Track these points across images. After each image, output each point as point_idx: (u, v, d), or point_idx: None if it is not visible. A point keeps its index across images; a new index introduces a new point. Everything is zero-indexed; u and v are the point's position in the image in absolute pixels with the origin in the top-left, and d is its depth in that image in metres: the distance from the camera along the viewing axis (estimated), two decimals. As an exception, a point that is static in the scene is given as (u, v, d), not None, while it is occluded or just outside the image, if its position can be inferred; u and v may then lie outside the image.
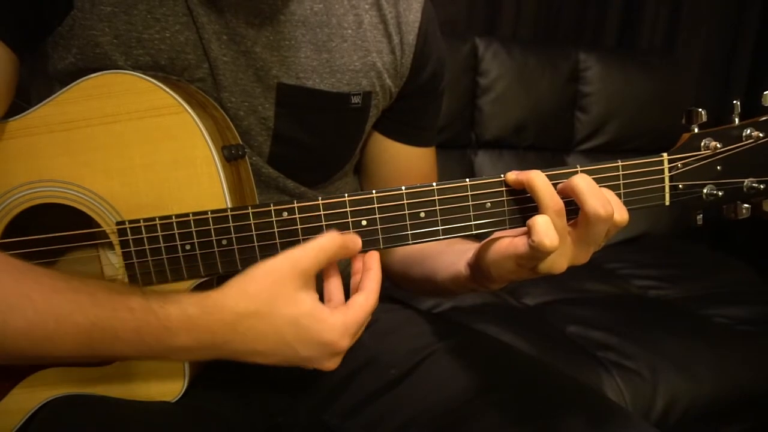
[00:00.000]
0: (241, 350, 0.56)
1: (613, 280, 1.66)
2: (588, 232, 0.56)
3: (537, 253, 0.55)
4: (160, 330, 0.54)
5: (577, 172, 0.58)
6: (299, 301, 0.56)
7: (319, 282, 0.60)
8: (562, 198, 0.56)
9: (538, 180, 0.56)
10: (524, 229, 0.61)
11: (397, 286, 0.89)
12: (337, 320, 0.56)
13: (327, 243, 0.57)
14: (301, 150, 0.75)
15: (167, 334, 0.54)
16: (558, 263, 0.57)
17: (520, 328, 1.33)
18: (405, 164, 0.86)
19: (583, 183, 0.55)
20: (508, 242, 0.58)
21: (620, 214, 0.56)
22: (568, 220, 0.57)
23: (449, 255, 0.72)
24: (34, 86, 0.73)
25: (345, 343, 0.57)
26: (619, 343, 1.30)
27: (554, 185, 0.57)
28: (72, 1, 0.62)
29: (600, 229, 0.56)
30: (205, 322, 0.54)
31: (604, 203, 0.54)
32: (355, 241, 0.59)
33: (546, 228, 0.54)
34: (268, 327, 0.55)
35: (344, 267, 0.66)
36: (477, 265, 0.64)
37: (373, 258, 0.60)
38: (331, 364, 0.59)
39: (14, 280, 0.53)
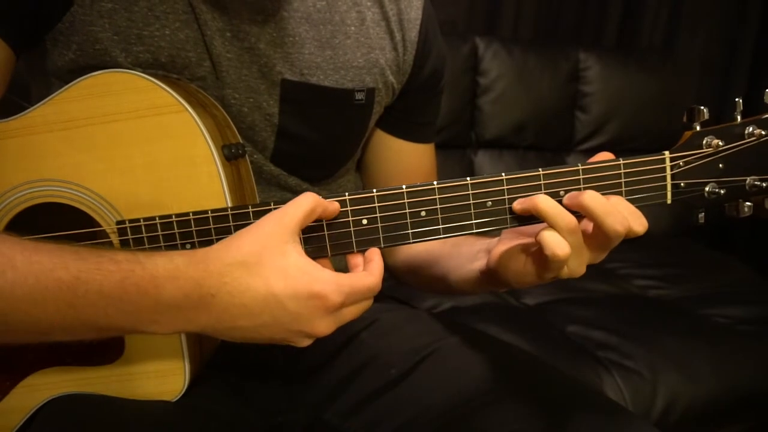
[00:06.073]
0: (229, 308, 0.53)
1: (613, 280, 1.66)
2: (607, 244, 0.57)
3: (554, 264, 0.56)
4: (146, 280, 0.52)
5: (578, 171, 0.58)
6: (287, 252, 0.53)
7: None
8: (570, 210, 0.56)
9: (543, 204, 0.56)
10: (524, 229, 0.61)
11: (406, 284, 0.89)
12: (329, 275, 0.54)
13: (303, 199, 0.56)
14: (305, 146, 0.75)
15: (153, 286, 0.52)
16: (578, 270, 0.58)
17: (520, 328, 1.33)
18: (406, 160, 0.86)
19: (593, 202, 0.55)
20: (524, 260, 0.60)
21: (640, 225, 0.57)
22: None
23: (460, 259, 0.72)
24: (34, 85, 0.73)
25: (336, 298, 0.53)
26: (619, 343, 1.30)
27: (558, 193, 0.58)
28: None
29: (619, 240, 0.56)
30: (192, 271, 0.53)
31: (621, 219, 0.55)
32: (330, 201, 0.58)
33: (556, 240, 0.55)
34: (256, 278, 0.53)
35: (342, 267, 0.66)
36: (496, 277, 0.64)
37: (374, 251, 0.60)
38: (323, 325, 0.55)
39: None
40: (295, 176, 0.76)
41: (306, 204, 0.55)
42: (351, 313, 0.56)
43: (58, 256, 0.52)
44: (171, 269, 0.53)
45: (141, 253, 0.54)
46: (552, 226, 0.55)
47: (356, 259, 0.60)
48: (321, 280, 0.53)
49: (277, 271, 0.53)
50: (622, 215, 0.55)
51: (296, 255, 0.54)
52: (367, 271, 0.57)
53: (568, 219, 0.55)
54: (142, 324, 0.55)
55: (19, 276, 0.51)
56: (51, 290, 0.51)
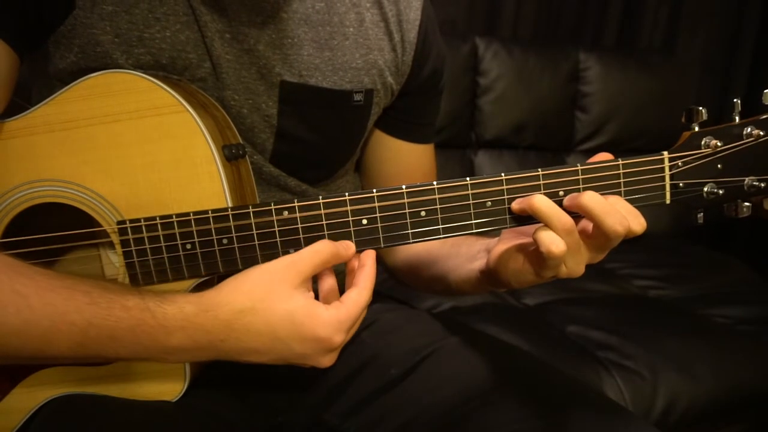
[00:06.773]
0: (237, 349, 0.57)
1: (613, 280, 1.66)
2: (606, 244, 0.58)
3: (550, 261, 0.56)
4: (156, 329, 0.54)
5: (577, 171, 0.58)
6: (294, 298, 0.56)
7: (314, 284, 0.60)
8: (569, 212, 0.56)
9: (539, 204, 0.56)
10: (524, 229, 0.61)
11: (406, 284, 0.89)
12: (331, 316, 0.56)
13: (321, 247, 0.58)
14: (304, 147, 0.75)
15: (163, 333, 0.54)
16: (577, 270, 0.59)
17: (520, 328, 1.33)
18: (406, 161, 0.86)
19: (592, 202, 0.55)
20: (523, 259, 0.60)
21: (638, 224, 0.57)
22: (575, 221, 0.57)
23: (459, 259, 0.73)
24: (35, 86, 0.73)
25: (339, 338, 0.57)
26: (619, 343, 1.30)
27: (558, 193, 0.58)
28: (74, 1, 0.63)
29: (619, 240, 0.57)
30: (202, 320, 0.55)
31: (621, 219, 0.55)
32: (347, 246, 0.60)
33: (551, 237, 0.55)
34: (263, 324, 0.55)
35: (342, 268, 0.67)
36: (495, 277, 0.65)
37: (368, 255, 0.61)
38: (327, 360, 0.59)
39: (8, 278, 0.53)
40: (295, 177, 0.76)
41: (323, 253, 0.58)
42: (350, 335, 0.59)
43: (71, 299, 0.53)
44: (180, 319, 0.54)
45: (151, 300, 0.55)
46: (548, 226, 0.56)
47: (352, 263, 0.61)
48: (325, 323, 0.56)
49: (283, 316, 0.55)
50: (621, 215, 0.55)
51: (303, 299, 0.56)
52: (359, 285, 0.59)
53: (564, 219, 0.55)
54: (151, 359, 0.58)
55: (34, 317, 0.53)
56: (64, 332, 0.53)
